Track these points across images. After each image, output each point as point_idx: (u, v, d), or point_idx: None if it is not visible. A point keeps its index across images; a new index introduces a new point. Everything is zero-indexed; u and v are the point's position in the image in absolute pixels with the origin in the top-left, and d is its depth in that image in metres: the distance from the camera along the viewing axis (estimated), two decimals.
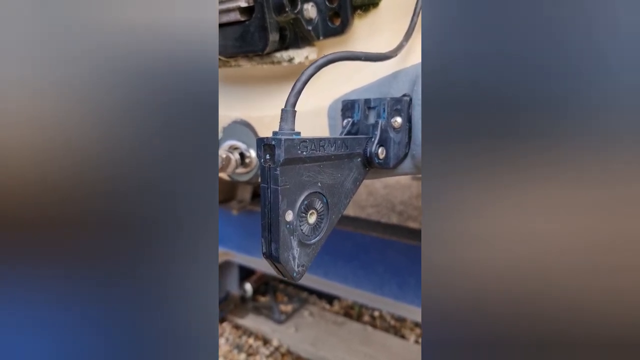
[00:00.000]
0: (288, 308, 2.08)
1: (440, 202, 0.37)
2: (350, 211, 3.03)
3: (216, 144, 0.38)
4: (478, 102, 0.36)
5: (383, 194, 4.05)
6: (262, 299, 2.17)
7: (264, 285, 2.22)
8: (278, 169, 0.39)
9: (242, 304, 2.11)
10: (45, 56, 0.34)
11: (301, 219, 0.43)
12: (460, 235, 0.37)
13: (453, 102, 0.37)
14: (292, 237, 0.42)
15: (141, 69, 0.36)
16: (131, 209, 0.36)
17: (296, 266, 0.43)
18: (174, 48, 0.37)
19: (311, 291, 2.18)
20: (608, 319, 0.34)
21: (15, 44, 0.33)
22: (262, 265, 1.93)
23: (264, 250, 0.42)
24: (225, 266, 2.07)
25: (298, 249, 0.43)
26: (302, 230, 0.43)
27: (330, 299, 2.15)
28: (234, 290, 2.11)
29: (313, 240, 0.45)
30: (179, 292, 0.38)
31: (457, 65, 0.36)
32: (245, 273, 2.12)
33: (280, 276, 0.44)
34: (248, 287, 2.11)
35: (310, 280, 1.79)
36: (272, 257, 0.41)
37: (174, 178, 0.37)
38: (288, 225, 0.41)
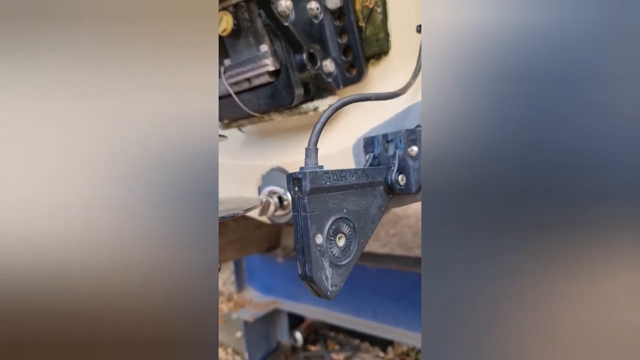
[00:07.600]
0: (340, 357, 2.02)
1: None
2: (396, 251, 2.97)
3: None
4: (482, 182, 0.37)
5: None
6: (313, 348, 2.13)
7: (314, 333, 2.19)
8: (306, 197, 0.45)
9: (294, 354, 2.08)
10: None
11: (330, 242, 0.48)
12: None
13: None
14: (323, 258, 0.47)
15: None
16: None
17: (329, 285, 0.47)
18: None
19: (363, 337, 2.12)
20: None
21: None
22: (311, 312, 1.92)
23: (300, 272, 0.47)
24: (274, 315, 2.09)
25: (330, 270, 0.47)
26: (332, 252, 0.48)
27: (383, 345, 2.07)
28: (285, 340, 2.10)
29: (344, 262, 0.49)
30: None
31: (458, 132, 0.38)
32: (294, 321, 2.12)
33: (315, 296, 0.48)
34: (298, 336, 2.09)
35: (359, 324, 1.75)
36: (306, 278, 0.46)
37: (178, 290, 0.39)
38: (319, 247, 0.46)
